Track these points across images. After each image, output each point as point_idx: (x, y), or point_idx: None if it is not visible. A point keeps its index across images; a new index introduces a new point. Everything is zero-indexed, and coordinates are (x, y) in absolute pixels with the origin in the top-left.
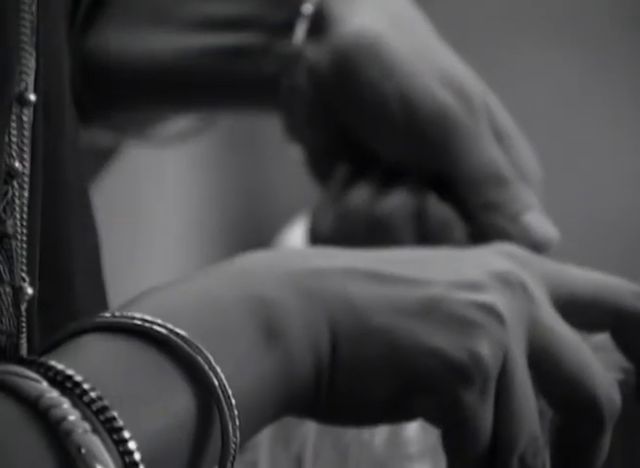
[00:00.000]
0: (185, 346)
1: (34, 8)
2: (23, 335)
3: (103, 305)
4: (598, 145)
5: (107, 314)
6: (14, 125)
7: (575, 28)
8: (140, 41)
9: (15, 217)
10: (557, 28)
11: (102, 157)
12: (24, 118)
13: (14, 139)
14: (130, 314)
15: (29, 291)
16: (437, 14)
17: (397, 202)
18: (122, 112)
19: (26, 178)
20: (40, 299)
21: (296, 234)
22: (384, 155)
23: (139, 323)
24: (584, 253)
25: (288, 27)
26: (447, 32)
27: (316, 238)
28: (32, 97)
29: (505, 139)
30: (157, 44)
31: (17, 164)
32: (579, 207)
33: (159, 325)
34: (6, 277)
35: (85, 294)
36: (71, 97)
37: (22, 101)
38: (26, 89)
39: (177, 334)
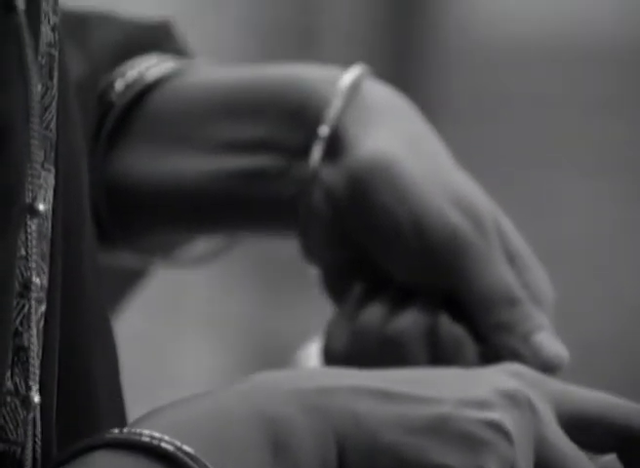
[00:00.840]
0: (192, 463)
1: (53, 126)
2: (29, 445)
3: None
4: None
5: (117, 430)
6: (30, 238)
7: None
8: (160, 164)
9: (31, 330)
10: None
11: (129, 280)
12: (39, 230)
13: (31, 252)
14: (138, 431)
15: (36, 399)
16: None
17: (409, 321)
18: (145, 234)
19: (44, 293)
20: (62, 420)
21: (311, 352)
22: (398, 275)
23: (146, 440)
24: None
25: (305, 149)
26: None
27: (331, 356)
28: (42, 208)
29: (517, 260)
30: (178, 167)
31: (34, 278)
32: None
33: (167, 441)
34: (21, 389)
35: (106, 414)
36: (91, 216)
37: (33, 212)
38: (35, 199)
39: (184, 452)
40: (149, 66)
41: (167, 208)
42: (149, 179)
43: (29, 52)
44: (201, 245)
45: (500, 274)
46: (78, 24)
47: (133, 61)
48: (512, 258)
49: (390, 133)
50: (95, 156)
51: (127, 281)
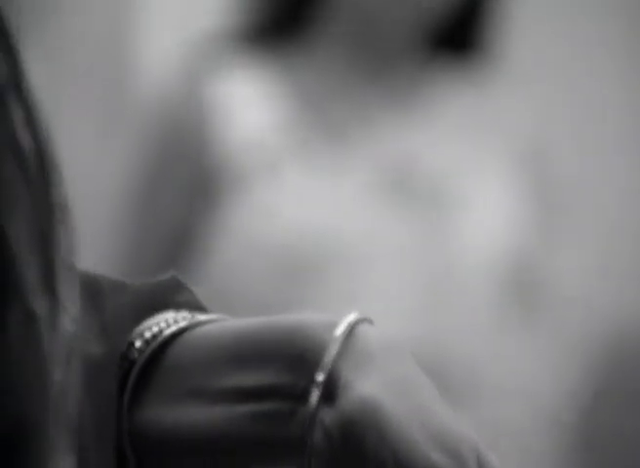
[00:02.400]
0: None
1: (73, 421)
2: None
3: None
4: None
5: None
6: None
7: None
8: (177, 414)
9: None
10: None
11: None
12: None
13: None
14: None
15: None
16: None
17: None
18: None
19: None
20: None
21: None
22: None
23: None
24: None
25: (306, 393)
26: None
27: None
28: None
29: None
30: (193, 416)
31: None
32: None
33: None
34: None
35: None
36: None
37: None
38: None
39: None
40: (165, 324)
41: (185, 453)
42: (168, 430)
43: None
44: None
45: None
46: (92, 294)
47: (149, 321)
48: None
49: (379, 377)
50: (119, 413)
51: None
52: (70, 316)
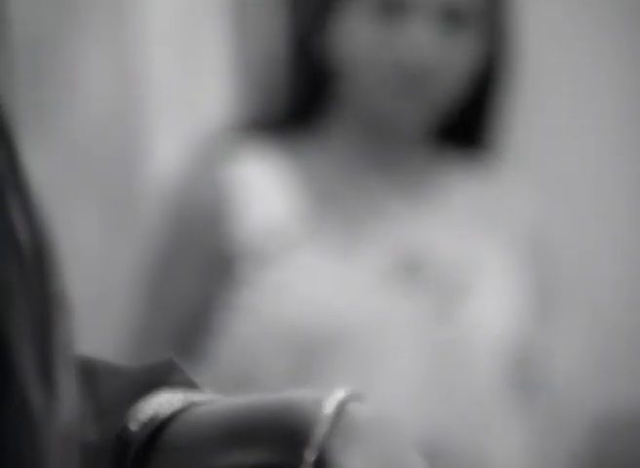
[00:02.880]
0: None
1: None
2: None
3: None
4: None
5: None
6: None
7: None
8: None
9: None
10: None
11: None
12: None
13: None
14: None
15: None
16: None
17: None
18: None
19: None
20: None
21: None
22: None
23: None
24: None
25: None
26: None
27: None
28: None
29: None
30: None
31: None
32: None
33: None
34: None
35: None
36: None
37: None
38: None
39: None
40: (160, 407)
41: None
42: None
43: None
44: None
45: None
46: (87, 377)
47: (145, 403)
48: None
49: (366, 456)
50: None
51: None
52: (67, 405)
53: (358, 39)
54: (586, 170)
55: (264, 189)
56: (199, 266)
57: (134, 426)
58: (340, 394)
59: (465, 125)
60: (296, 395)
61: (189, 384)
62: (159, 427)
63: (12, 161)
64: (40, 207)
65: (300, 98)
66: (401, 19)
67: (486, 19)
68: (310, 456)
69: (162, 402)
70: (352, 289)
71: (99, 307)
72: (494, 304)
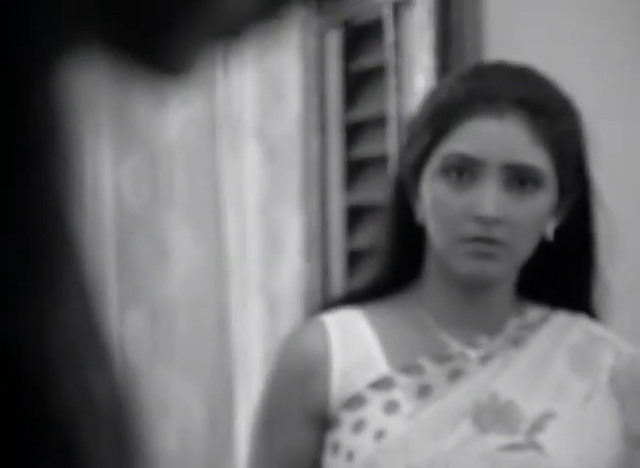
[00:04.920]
0: None
1: None
2: None
3: None
4: None
5: None
6: None
7: None
8: None
9: None
10: None
11: None
12: None
13: None
14: None
15: None
16: None
17: None
18: None
19: None
20: None
21: None
22: None
23: None
24: None
25: None
26: None
27: None
28: None
29: None
30: None
31: None
32: None
33: None
34: None
35: None
36: None
37: None
38: None
39: None
40: None
41: None
42: None
43: None
44: None
45: None
46: None
47: None
48: None
49: None
50: None
51: None
52: None
53: (435, 195)
54: None
55: (352, 345)
56: (300, 417)
57: None
58: None
59: (555, 281)
60: None
61: None
62: None
63: (91, 323)
64: (122, 369)
65: (396, 261)
66: (472, 181)
67: (557, 177)
68: None
69: None
70: (437, 427)
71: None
72: (576, 438)
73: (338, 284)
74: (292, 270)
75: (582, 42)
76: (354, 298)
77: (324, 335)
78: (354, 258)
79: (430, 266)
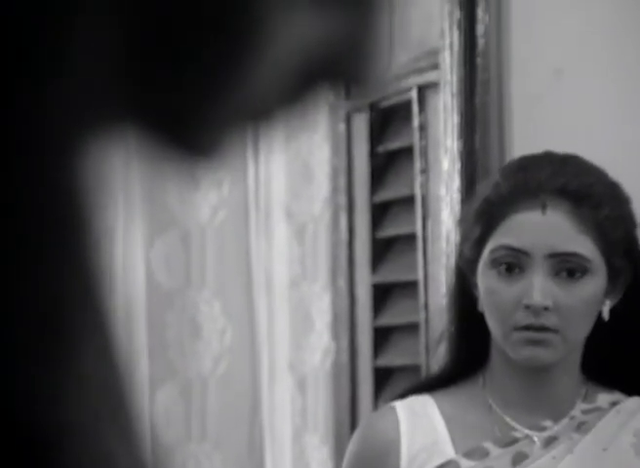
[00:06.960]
0: None
1: None
2: None
3: None
4: None
5: None
6: None
7: None
8: None
9: None
10: None
11: None
12: None
13: None
14: None
15: None
16: None
17: None
18: None
19: None
20: None
21: None
22: None
23: None
24: None
25: None
26: None
27: None
28: None
29: None
30: None
31: None
32: None
33: None
34: None
35: None
36: None
37: None
38: None
39: None
40: None
41: None
42: None
43: None
44: None
45: None
46: None
47: None
48: None
49: None
50: None
51: None
52: None
53: (488, 287)
54: None
55: (421, 430)
56: None
57: None
58: None
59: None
60: None
61: None
62: None
63: (117, 396)
64: (152, 445)
65: (462, 349)
66: (521, 272)
67: (605, 261)
68: None
69: None
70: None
71: None
72: None
73: (366, 360)
74: (321, 348)
75: (609, 126)
76: (425, 386)
77: (395, 420)
78: (382, 335)
79: (494, 351)
